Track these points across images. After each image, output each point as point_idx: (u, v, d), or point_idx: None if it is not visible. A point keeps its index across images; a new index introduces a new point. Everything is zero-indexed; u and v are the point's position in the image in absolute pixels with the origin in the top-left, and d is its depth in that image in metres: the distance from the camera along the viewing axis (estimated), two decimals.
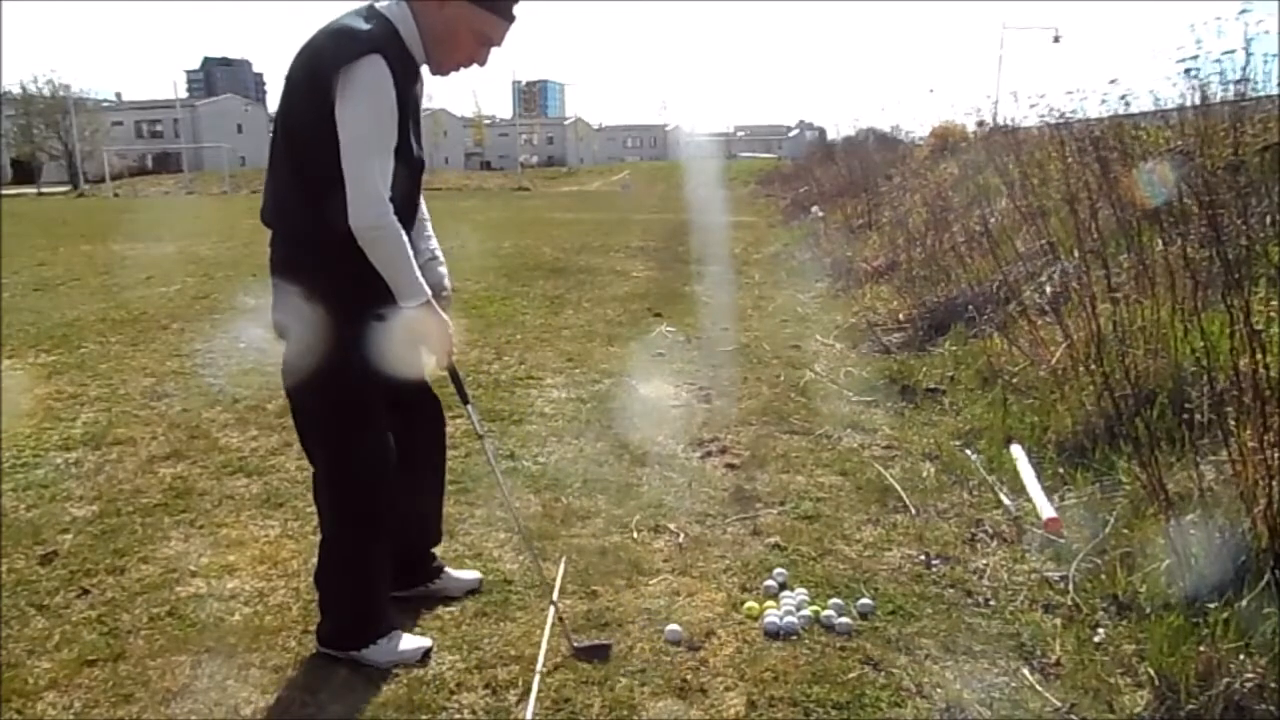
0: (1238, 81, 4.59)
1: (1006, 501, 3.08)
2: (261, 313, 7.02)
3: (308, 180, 1.99)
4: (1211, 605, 2.13)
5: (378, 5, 2.01)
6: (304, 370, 2.08)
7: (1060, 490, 3.06)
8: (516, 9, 2.05)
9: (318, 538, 2.84)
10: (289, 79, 1.99)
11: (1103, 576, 2.51)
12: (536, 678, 2.10)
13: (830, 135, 28.86)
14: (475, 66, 2.11)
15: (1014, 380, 4.01)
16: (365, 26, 1.92)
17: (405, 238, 1.99)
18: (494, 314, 6.66)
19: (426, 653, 2.21)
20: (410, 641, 2.23)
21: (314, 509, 3.07)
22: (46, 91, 50.06)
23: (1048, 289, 4.55)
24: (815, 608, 2.40)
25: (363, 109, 1.88)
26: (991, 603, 2.49)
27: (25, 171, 51.05)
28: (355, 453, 2.12)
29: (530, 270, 8.91)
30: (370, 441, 2.12)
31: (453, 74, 2.11)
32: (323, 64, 1.89)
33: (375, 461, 2.13)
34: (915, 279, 6.29)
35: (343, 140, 1.88)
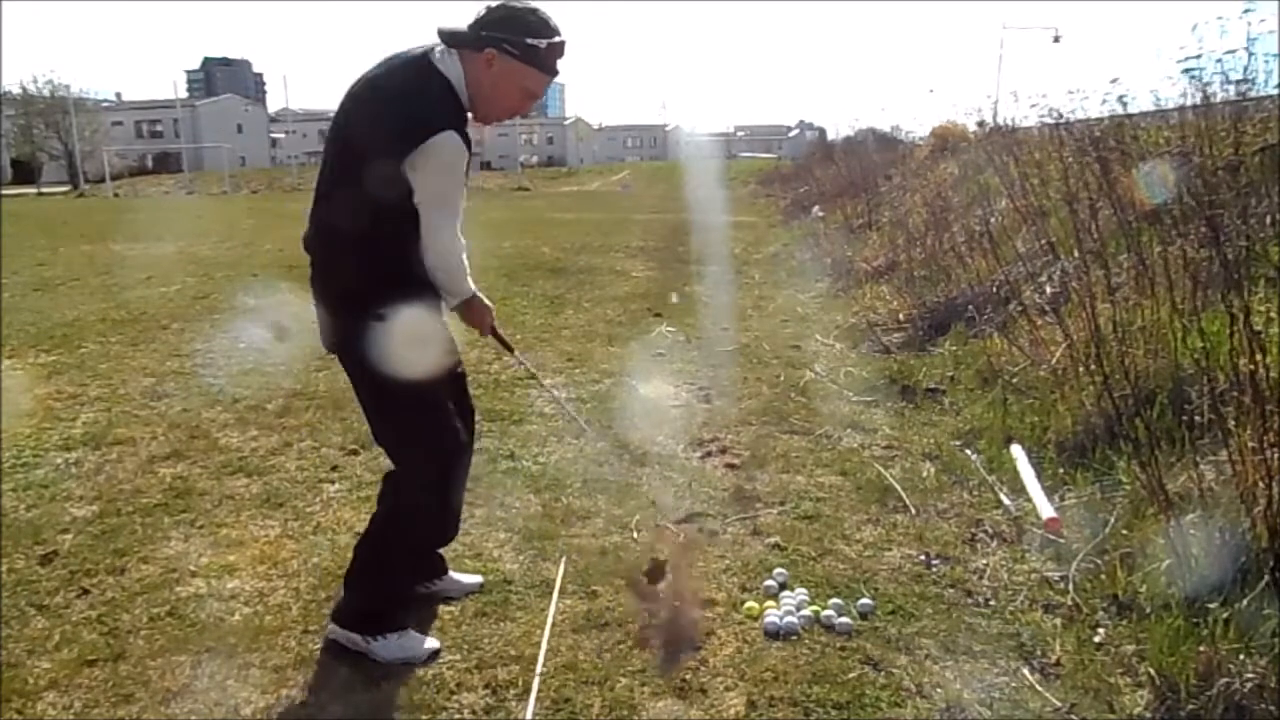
0: (1239, 81, 4.59)
1: (1006, 501, 3.08)
2: (261, 313, 6.98)
3: (359, 199, 2.04)
4: (1211, 605, 2.14)
5: (433, 58, 2.06)
6: (379, 371, 2.12)
7: (1060, 490, 3.06)
8: (560, 64, 2.11)
9: (317, 538, 2.87)
10: (353, 119, 2.08)
11: (1103, 576, 2.51)
12: (536, 678, 2.11)
13: (830, 135, 28.83)
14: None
15: (1014, 380, 4.01)
16: (438, 99, 2.02)
17: (464, 259, 2.17)
18: (494, 314, 6.65)
19: (434, 654, 2.22)
20: (419, 641, 2.24)
21: (314, 509, 3.10)
22: (46, 91, 49.95)
23: (1048, 289, 4.55)
24: (815, 608, 2.41)
25: (444, 178, 2.02)
26: (991, 603, 2.49)
27: (25, 171, 50.94)
28: (436, 443, 2.19)
29: (530, 270, 8.91)
30: (450, 432, 2.21)
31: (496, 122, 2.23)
32: (395, 137, 1.97)
33: (451, 452, 2.22)
34: (915, 279, 6.29)
35: (422, 199, 2.01)
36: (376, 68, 2.13)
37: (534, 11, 2.05)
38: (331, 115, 2.20)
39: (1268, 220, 3.62)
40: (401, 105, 2.03)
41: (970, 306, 5.09)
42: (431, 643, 2.26)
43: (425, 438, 2.18)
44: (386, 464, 2.35)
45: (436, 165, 1.99)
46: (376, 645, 2.20)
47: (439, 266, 2.11)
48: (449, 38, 2.07)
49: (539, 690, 2.07)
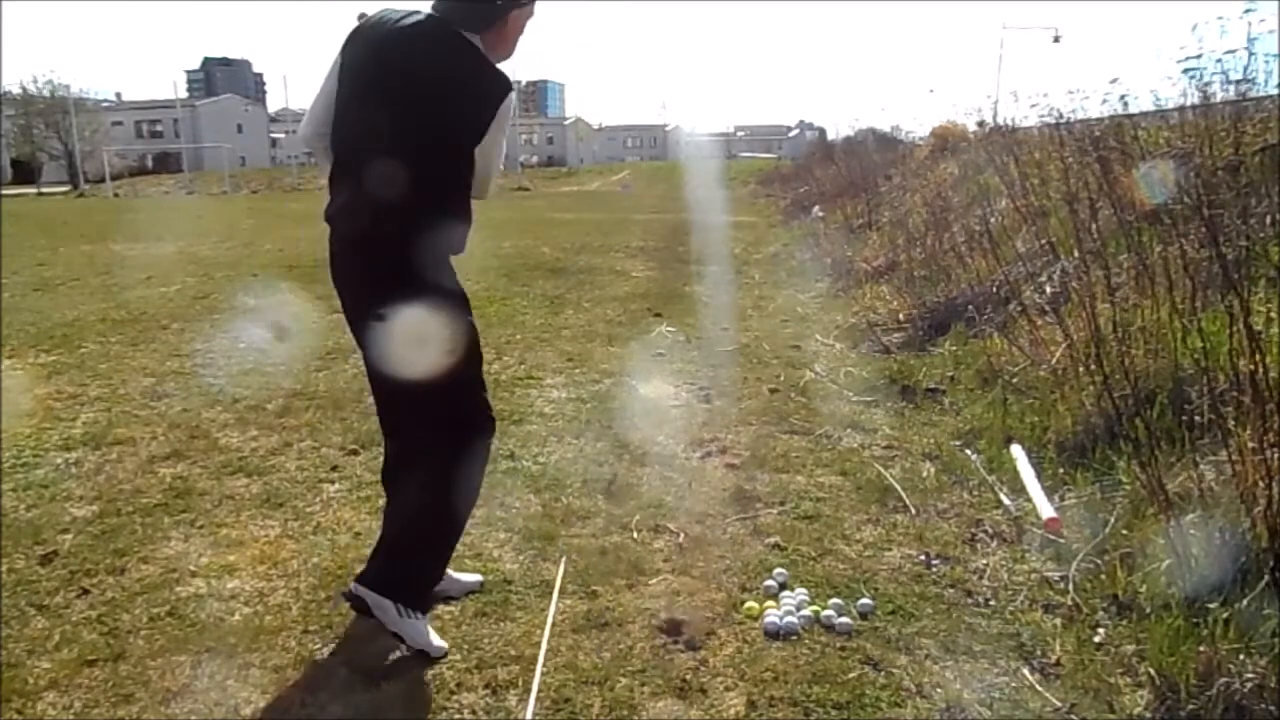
0: (1239, 81, 4.59)
1: (1006, 501, 3.08)
2: (261, 312, 6.96)
3: (435, 184, 2.13)
4: (1211, 605, 2.13)
5: (462, 33, 2.11)
6: (431, 356, 2.19)
7: (1060, 490, 3.06)
8: None
9: (317, 538, 2.87)
10: (412, 118, 2.09)
11: (1103, 576, 2.51)
12: (536, 678, 2.11)
13: (830, 135, 28.79)
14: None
15: (1014, 380, 4.01)
16: (492, 67, 2.14)
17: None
18: (494, 314, 6.66)
19: (444, 654, 2.23)
20: (435, 637, 2.25)
21: (314, 509, 3.10)
22: (46, 91, 49.98)
23: (1048, 289, 4.55)
24: (815, 608, 2.41)
25: (503, 134, 2.18)
26: (991, 603, 2.49)
27: (25, 171, 50.92)
28: (478, 420, 2.31)
29: (530, 270, 8.91)
30: (486, 411, 2.35)
31: None
32: (479, 123, 2.10)
33: (489, 428, 2.35)
34: (915, 279, 6.29)
35: (486, 154, 2.15)
36: (402, 49, 2.11)
37: None
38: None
39: (1268, 220, 3.62)
40: (473, 90, 2.11)
41: (970, 306, 5.09)
42: (443, 644, 2.25)
43: (476, 413, 2.31)
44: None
45: (500, 123, 2.13)
46: (407, 624, 2.18)
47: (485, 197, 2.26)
48: (463, 22, 2.10)
49: (539, 690, 2.07)
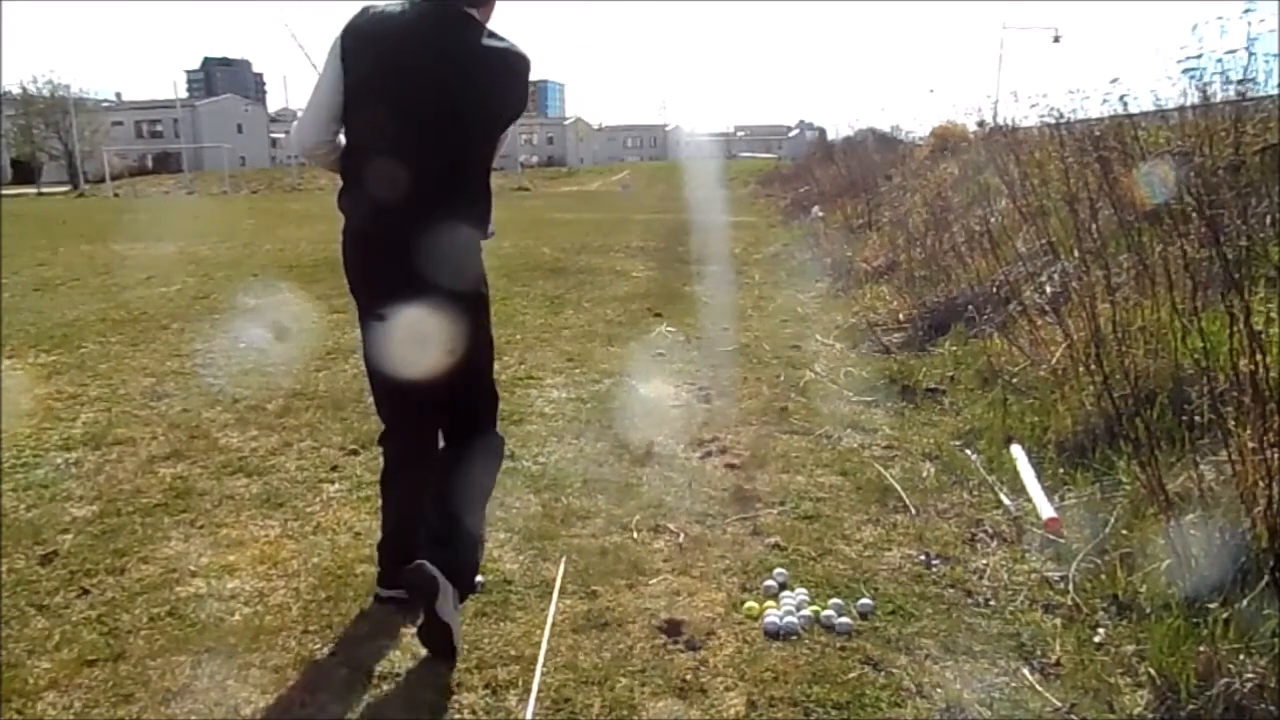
0: (1240, 81, 4.59)
1: (1006, 501, 3.08)
2: (261, 312, 6.96)
3: (483, 168, 2.25)
4: (1211, 605, 2.13)
5: (475, 14, 2.18)
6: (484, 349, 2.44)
7: (1060, 490, 3.06)
8: None
9: (317, 538, 2.87)
10: (468, 101, 2.15)
11: (1103, 576, 2.51)
12: (536, 678, 2.11)
13: (830, 135, 28.75)
14: None
15: (1014, 380, 4.01)
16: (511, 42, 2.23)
17: None
18: (494, 314, 6.65)
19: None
20: None
21: (314, 509, 3.10)
22: (46, 91, 50.03)
23: (1048, 289, 4.55)
24: (815, 608, 2.41)
25: None
26: (991, 603, 2.49)
27: (25, 171, 50.92)
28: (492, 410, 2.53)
29: (530, 270, 8.91)
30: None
31: None
32: (522, 84, 2.23)
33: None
34: (915, 279, 6.29)
35: (501, 144, 2.30)
36: (428, 40, 2.11)
37: None
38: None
39: (1268, 220, 3.62)
40: (510, 67, 2.19)
41: (970, 306, 5.09)
42: None
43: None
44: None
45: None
46: (456, 617, 2.16)
47: None
48: (469, 0, 2.17)
49: (539, 690, 2.07)
